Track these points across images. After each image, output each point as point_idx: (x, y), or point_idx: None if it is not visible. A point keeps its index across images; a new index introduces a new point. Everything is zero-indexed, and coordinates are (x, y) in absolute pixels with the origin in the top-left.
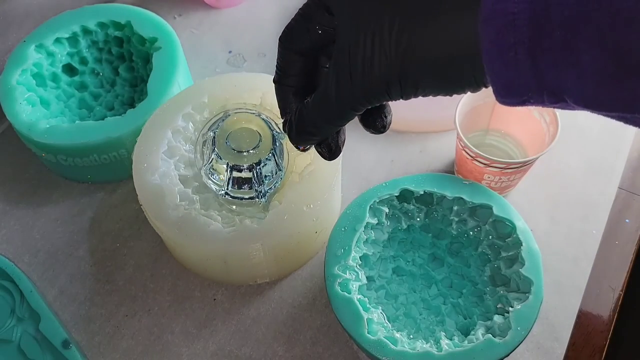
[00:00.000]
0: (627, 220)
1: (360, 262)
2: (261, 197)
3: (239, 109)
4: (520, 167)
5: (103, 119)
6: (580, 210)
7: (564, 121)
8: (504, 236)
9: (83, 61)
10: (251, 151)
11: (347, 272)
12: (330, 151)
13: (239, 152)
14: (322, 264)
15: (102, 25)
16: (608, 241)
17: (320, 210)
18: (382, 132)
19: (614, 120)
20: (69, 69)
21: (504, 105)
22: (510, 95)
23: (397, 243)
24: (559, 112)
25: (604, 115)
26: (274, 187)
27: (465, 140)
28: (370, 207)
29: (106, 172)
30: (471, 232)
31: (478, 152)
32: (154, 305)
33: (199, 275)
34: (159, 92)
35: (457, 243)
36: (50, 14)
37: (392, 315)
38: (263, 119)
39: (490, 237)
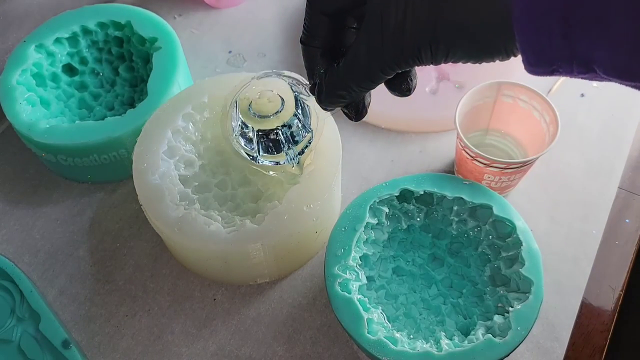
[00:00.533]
0: (627, 220)
1: (360, 262)
2: (292, 159)
3: (261, 75)
4: (520, 167)
5: (103, 119)
6: (580, 210)
7: (564, 121)
8: (504, 236)
9: (83, 61)
10: (274, 115)
11: (347, 272)
12: (357, 112)
13: (262, 117)
14: (322, 264)
15: (102, 25)
16: (608, 241)
17: (320, 210)
18: (407, 95)
19: (613, 120)
20: (69, 69)
21: (532, 74)
22: (539, 64)
23: (397, 243)
24: (558, 112)
25: (631, 86)
26: (305, 148)
27: (465, 140)
28: (370, 207)
29: (106, 172)
30: (471, 232)
31: (478, 152)
32: (154, 305)
33: (199, 275)
34: (159, 92)
35: (457, 243)
36: (50, 14)
37: (392, 315)
38: (286, 82)
39: (490, 237)
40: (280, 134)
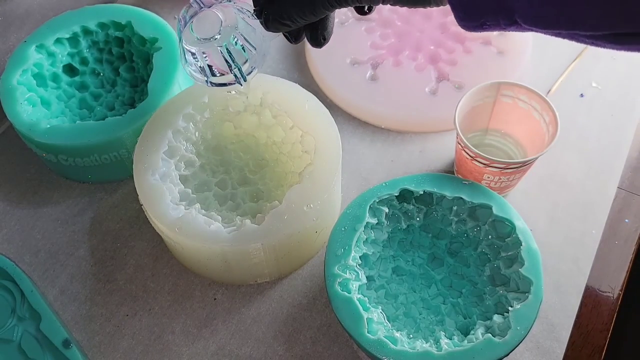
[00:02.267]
0: (626, 220)
1: (360, 261)
2: (241, 79)
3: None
4: (520, 167)
5: (104, 119)
6: (580, 210)
7: (564, 121)
8: (504, 236)
9: (84, 61)
10: (215, 36)
11: (347, 271)
12: (314, 39)
13: (204, 39)
14: (322, 264)
15: (102, 25)
16: (608, 241)
17: (320, 210)
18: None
19: (612, 120)
20: (70, 69)
21: (466, 29)
22: (468, 17)
23: (396, 243)
24: (558, 112)
25: (550, 34)
26: (254, 68)
27: (465, 140)
28: (370, 207)
29: (107, 172)
30: (471, 232)
31: (478, 152)
32: (154, 305)
33: (199, 275)
34: (160, 92)
35: (457, 243)
36: (51, 14)
37: (392, 314)
38: (231, 5)
39: (489, 237)
40: (223, 53)
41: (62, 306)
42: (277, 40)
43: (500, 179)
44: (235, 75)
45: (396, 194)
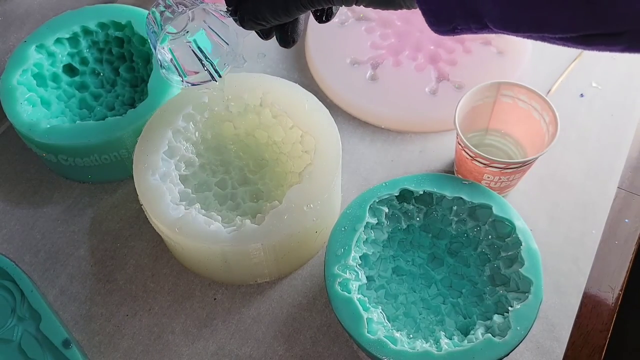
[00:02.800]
0: (626, 220)
1: (360, 261)
2: (215, 75)
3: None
4: (520, 167)
5: (104, 119)
6: (580, 210)
7: (564, 121)
8: (504, 236)
9: (84, 61)
10: (183, 32)
11: (347, 271)
12: (283, 39)
13: (172, 34)
14: (322, 264)
15: (102, 25)
16: (608, 241)
17: (320, 210)
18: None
19: (612, 120)
20: (70, 69)
21: (438, 34)
22: (439, 22)
23: (396, 243)
24: (558, 112)
25: (522, 37)
26: (228, 64)
27: (465, 140)
28: (370, 207)
29: (107, 172)
30: (471, 232)
31: (478, 152)
32: (154, 305)
33: (199, 275)
34: (160, 92)
35: (457, 243)
36: (51, 14)
37: (392, 314)
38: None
39: (489, 237)
40: (194, 48)
41: (62, 306)
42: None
43: (500, 179)
44: (209, 71)
45: (396, 194)
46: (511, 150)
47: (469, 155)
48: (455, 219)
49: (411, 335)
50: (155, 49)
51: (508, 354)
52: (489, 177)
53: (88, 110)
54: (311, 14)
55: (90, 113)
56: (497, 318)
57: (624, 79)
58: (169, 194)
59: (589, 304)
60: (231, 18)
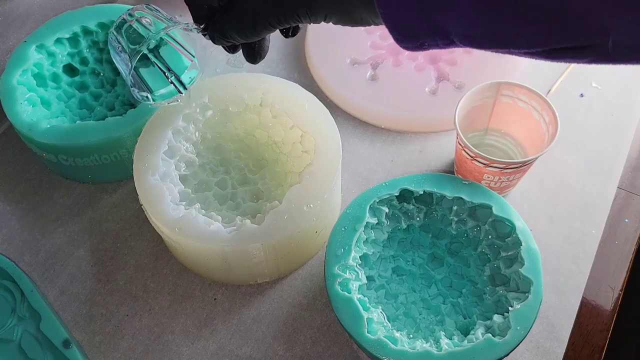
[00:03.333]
0: (626, 220)
1: (360, 261)
2: (179, 87)
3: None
4: (520, 167)
5: (104, 119)
6: (580, 210)
7: (564, 121)
8: (504, 236)
9: (84, 61)
10: (143, 45)
11: (347, 271)
12: (250, 55)
13: (132, 48)
14: (322, 264)
15: (102, 25)
16: (607, 241)
17: (320, 210)
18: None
19: (612, 120)
20: (70, 69)
21: (405, 49)
22: (406, 39)
23: (396, 243)
24: (558, 112)
25: (489, 51)
26: (193, 77)
27: (465, 140)
28: (370, 207)
29: (107, 172)
30: (471, 232)
31: (478, 152)
32: (154, 305)
33: (199, 275)
34: None
35: (457, 243)
36: (51, 14)
37: (392, 314)
38: (160, 16)
39: (489, 236)
40: (156, 61)
41: (62, 306)
42: (277, 40)
43: (500, 179)
44: (174, 84)
45: (396, 194)
46: (511, 150)
47: (469, 155)
48: (455, 219)
49: (411, 335)
50: (129, 68)
51: (508, 354)
52: (489, 177)
53: (88, 110)
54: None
55: (90, 113)
56: (497, 318)
57: (624, 79)
58: (169, 194)
59: (589, 304)
60: (196, 32)
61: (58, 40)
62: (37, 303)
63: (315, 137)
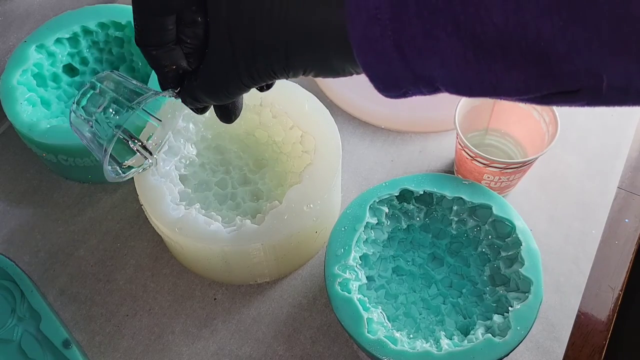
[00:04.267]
0: (626, 220)
1: (360, 261)
2: (146, 154)
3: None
4: (520, 167)
5: None
6: (580, 210)
7: (564, 121)
8: (504, 236)
9: (84, 61)
10: (101, 112)
11: (347, 271)
12: (225, 116)
13: (87, 116)
14: (322, 264)
15: (102, 25)
16: (607, 241)
17: (320, 210)
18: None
19: (612, 120)
20: (70, 69)
21: (387, 98)
22: (388, 88)
23: (397, 243)
24: (558, 112)
25: (477, 97)
26: (160, 144)
27: (465, 140)
28: (370, 207)
29: None
30: (471, 232)
31: (478, 152)
32: (154, 305)
33: (199, 275)
34: None
35: (457, 243)
36: (51, 14)
37: (392, 314)
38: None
39: (489, 236)
40: (116, 130)
41: (62, 306)
42: None
43: (500, 179)
44: (139, 152)
45: (396, 194)
46: (511, 150)
47: (469, 155)
48: (456, 218)
49: (411, 335)
50: (109, 143)
51: (508, 354)
52: (489, 177)
53: None
54: None
55: None
56: (497, 318)
57: None
58: (169, 194)
59: (589, 304)
60: (168, 97)
61: (58, 40)
62: (37, 303)
63: (315, 137)
